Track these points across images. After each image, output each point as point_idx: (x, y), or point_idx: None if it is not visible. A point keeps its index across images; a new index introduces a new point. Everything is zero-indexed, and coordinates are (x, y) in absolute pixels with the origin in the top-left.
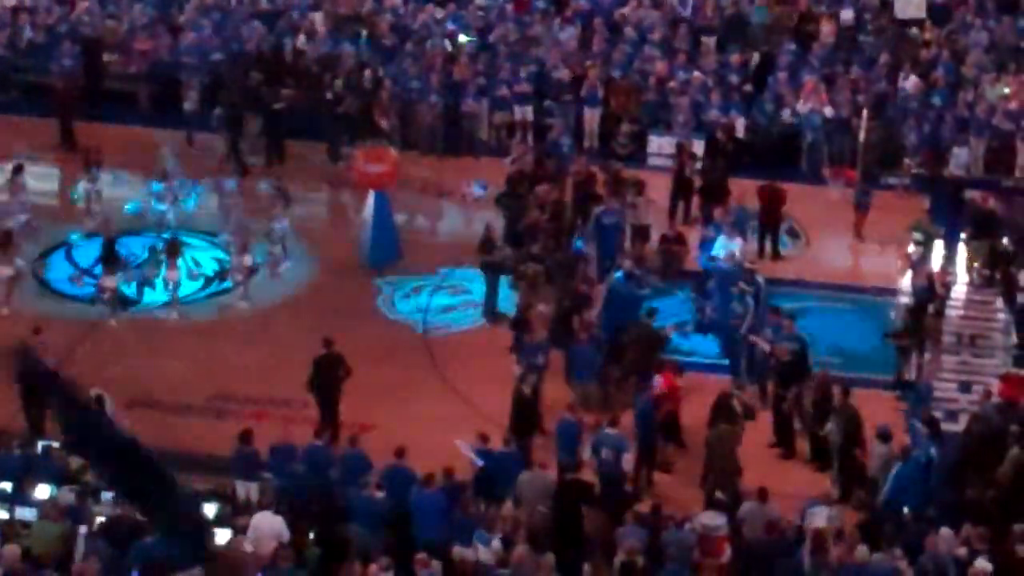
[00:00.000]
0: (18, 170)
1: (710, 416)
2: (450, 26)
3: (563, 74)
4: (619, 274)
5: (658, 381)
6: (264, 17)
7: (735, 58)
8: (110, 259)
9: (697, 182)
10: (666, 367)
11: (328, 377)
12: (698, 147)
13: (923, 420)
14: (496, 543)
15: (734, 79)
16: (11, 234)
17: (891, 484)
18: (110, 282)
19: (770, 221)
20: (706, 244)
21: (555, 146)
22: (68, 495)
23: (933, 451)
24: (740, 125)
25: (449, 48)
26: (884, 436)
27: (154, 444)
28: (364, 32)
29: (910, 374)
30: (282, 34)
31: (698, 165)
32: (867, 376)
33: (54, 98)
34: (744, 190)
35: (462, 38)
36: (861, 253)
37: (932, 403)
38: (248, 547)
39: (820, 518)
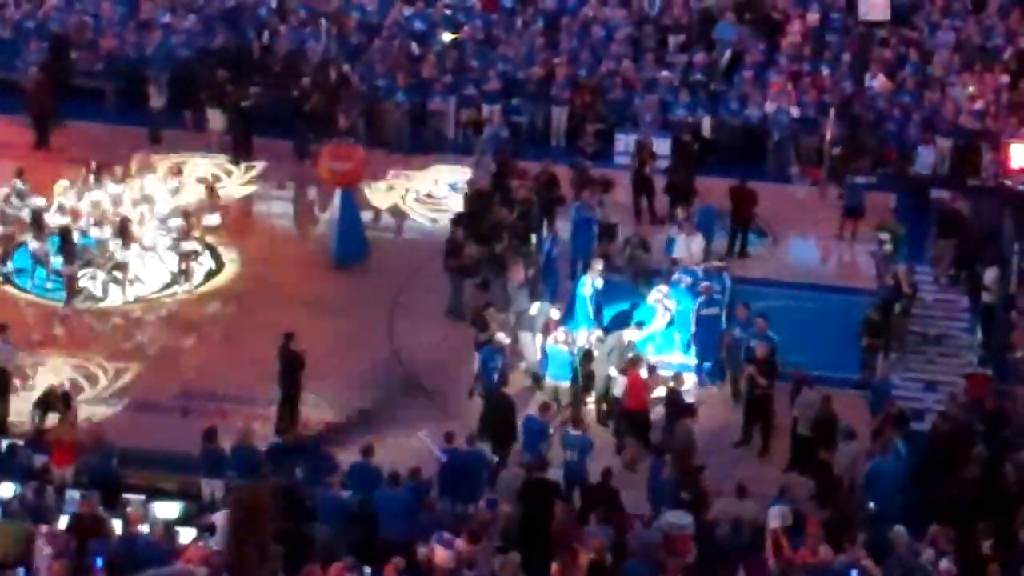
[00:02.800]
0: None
1: (666, 413)
2: (418, 24)
3: (531, 73)
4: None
5: (623, 381)
6: (230, 14)
7: (700, 57)
8: (67, 248)
9: (662, 181)
10: (634, 366)
11: (288, 370)
12: (664, 146)
13: (892, 417)
14: (459, 543)
15: (700, 78)
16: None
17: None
18: (69, 270)
19: (741, 221)
20: (671, 243)
21: (494, 138)
22: (30, 494)
23: (901, 448)
24: (707, 124)
25: (416, 48)
26: (849, 434)
27: (119, 442)
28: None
29: (876, 373)
30: (249, 31)
31: (660, 164)
32: (833, 375)
33: (25, 97)
34: (710, 189)
35: (446, 36)
36: (827, 252)
37: (892, 401)
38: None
39: (774, 517)
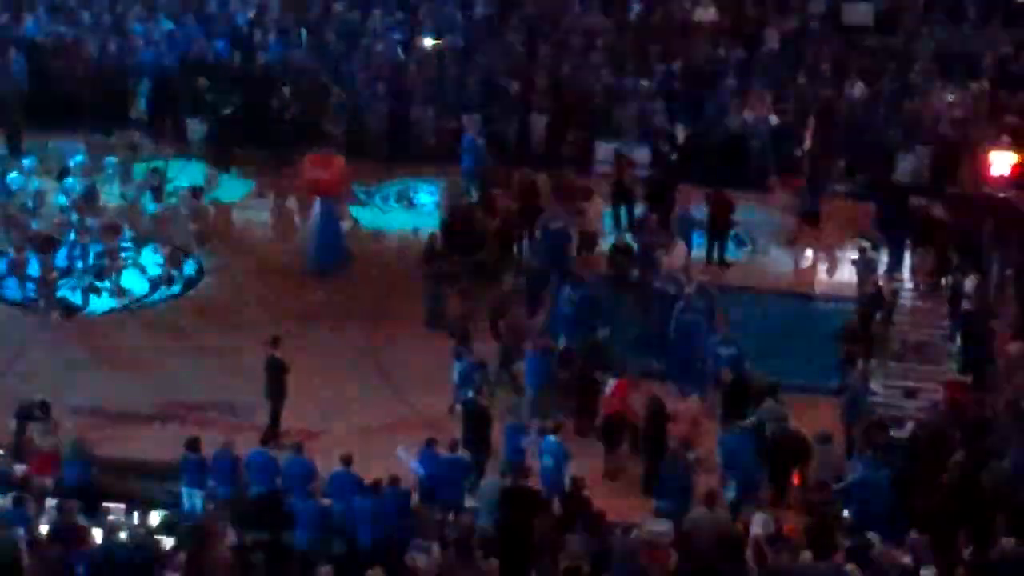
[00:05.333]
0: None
1: (650, 422)
2: (398, 33)
3: (510, 81)
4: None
5: (610, 387)
6: (210, 23)
7: (679, 65)
8: (45, 246)
9: (642, 190)
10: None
11: (273, 379)
12: (644, 155)
13: (872, 425)
14: (435, 549)
15: (678, 86)
16: None
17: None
18: (47, 277)
19: (718, 228)
20: (644, 250)
21: (470, 146)
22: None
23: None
24: (686, 133)
25: (396, 56)
26: (824, 439)
27: (100, 451)
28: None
29: (855, 381)
30: (229, 40)
31: (639, 172)
32: (813, 383)
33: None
34: (689, 197)
35: (427, 42)
36: (807, 260)
37: (865, 410)
38: None
39: (756, 524)
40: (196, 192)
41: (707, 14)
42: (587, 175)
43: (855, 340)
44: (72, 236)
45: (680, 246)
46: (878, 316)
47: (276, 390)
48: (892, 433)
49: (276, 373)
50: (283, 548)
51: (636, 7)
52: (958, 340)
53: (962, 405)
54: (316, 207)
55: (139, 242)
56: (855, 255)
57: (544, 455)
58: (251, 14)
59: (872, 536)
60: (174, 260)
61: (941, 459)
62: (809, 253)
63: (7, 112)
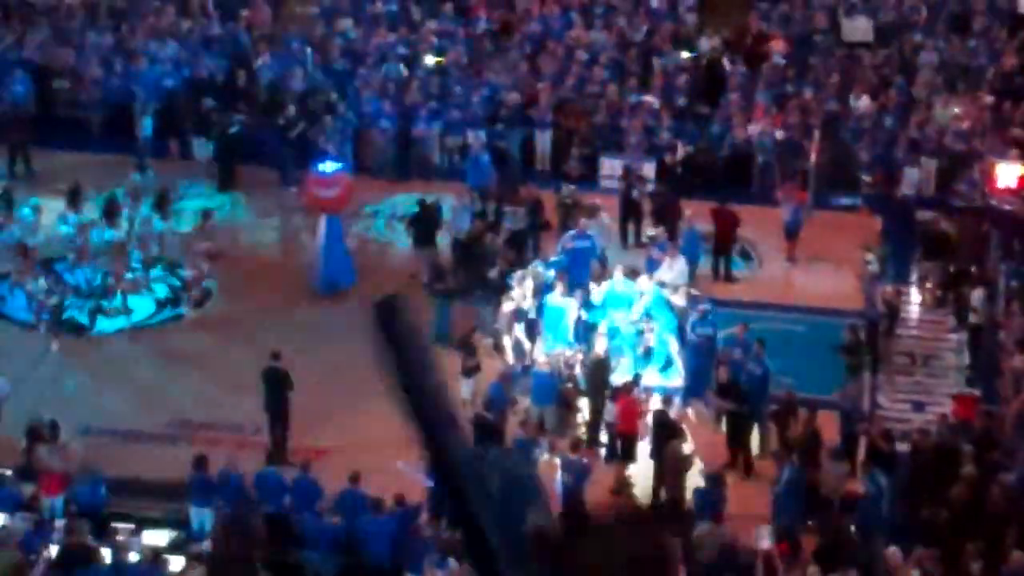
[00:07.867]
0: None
1: (654, 434)
2: (402, 50)
3: (514, 97)
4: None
5: (613, 406)
6: (215, 43)
7: (683, 80)
8: (47, 271)
9: (648, 205)
10: (626, 391)
11: (275, 391)
12: (649, 170)
13: (877, 438)
14: (453, 563)
15: (683, 102)
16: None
17: None
18: (51, 299)
19: (723, 243)
20: (652, 265)
21: (475, 163)
22: (21, 523)
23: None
24: (692, 147)
25: (405, 72)
26: (837, 455)
27: (108, 471)
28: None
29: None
30: (235, 60)
31: (649, 188)
32: (820, 396)
33: (5, 126)
34: (696, 212)
35: (429, 59)
36: (814, 274)
37: (857, 423)
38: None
39: (765, 538)
40: (203, 212)
41: (712, 42)
42: (593, 191)
43: (857, 353)
44: (77, 257)
45: (681, 261)
46: (882, 329)
47: (274, 402)
48: (899, 446)
49: (274, 384)
50: (291, 566)
51: (643, 29)
52: (966, 353)
53: (970, 418)
54: (322, 225)
55: (146, 263)
56: (861, 268)
57: (564, 471)
58: (255, 33)
59: (879, 549)
60: (187, 286)
61: (948, 472)
62: (814, 267)
63: (12, 132)
